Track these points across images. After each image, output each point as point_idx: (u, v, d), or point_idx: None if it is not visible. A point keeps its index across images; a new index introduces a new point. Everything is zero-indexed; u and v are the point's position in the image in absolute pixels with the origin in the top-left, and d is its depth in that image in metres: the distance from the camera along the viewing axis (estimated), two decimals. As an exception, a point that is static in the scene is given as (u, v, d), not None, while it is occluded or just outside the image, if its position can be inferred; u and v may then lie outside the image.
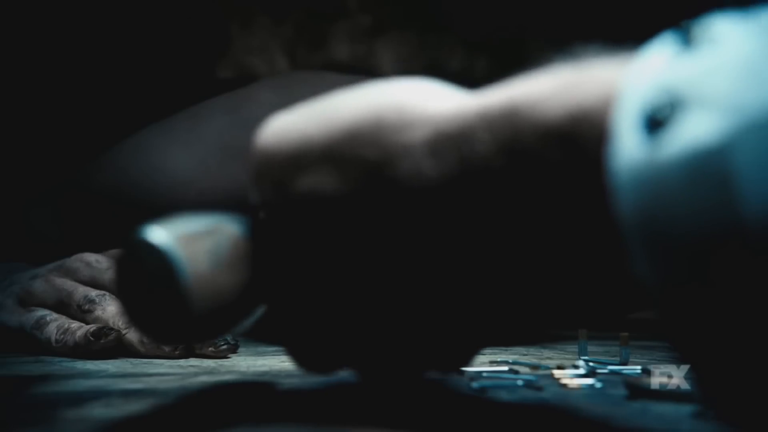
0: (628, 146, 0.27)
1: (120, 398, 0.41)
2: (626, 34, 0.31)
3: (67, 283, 0.62)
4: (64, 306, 0.61)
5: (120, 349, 0.58)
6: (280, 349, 0.63)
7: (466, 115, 0.32)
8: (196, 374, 0.50)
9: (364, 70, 1.11)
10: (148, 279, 0.35)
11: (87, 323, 0.60)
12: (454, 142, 0.32)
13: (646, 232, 0.27)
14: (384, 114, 0.34)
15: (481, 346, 0.39)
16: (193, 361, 0.56)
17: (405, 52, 1.14)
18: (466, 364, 0.40)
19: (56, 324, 0.60)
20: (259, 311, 0.38)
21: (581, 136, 0.29)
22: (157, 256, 0.35)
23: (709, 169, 0.25)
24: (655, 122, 0.27)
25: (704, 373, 0.28)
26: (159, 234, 0.35)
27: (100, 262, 0.64)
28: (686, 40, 0.27)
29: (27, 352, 0.60)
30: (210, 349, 0.59)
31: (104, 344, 0.57)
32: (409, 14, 1.17)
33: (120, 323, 0.59)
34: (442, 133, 0.33)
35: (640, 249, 0.27)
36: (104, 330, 0.58)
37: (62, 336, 0.59)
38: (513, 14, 1.11)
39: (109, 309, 0.60)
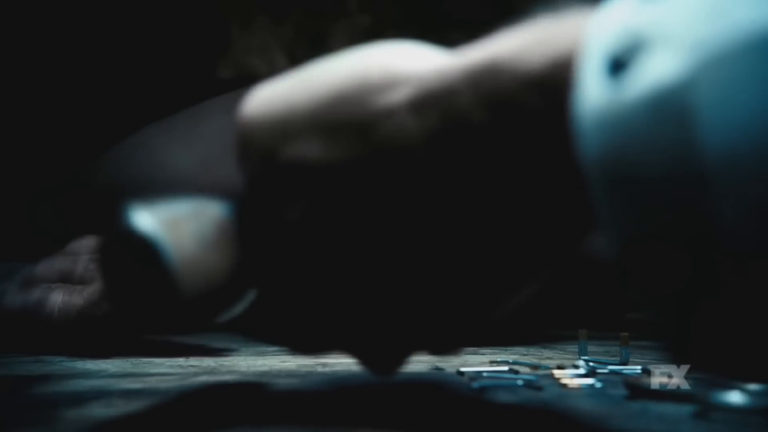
0: (592, 89, 0.27)
1: (120, 398, 0.41)
2: None
3: (68, 263, 0.62)
4: (66, 280, 0.61)
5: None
6: (281, 349, 0.63)
7: (449, 72, 0.32)
8: (196, 374, 0.50)
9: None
10: (134, 265, 0.35)
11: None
12: (436, 99, 0.32)
13: (609, 176, 0.27)
14: (368, 75, 0.34)
15: (472, 323, 0.38)
16: (193, 361, 0.56)
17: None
18: (458, 347, 0.39)
19: (60, 292, 0.59)
20: (250, 296, 0.38)
21: (559, 83, 0.29)
22: (142, 241, 0.34)
23: (669, 106, 0.25)
24: (618, 64, 0.27)
25: (668, 323, 0.28)
26: (143, 219, 0.34)
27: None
28: None
29: (27, 345, 0.60)
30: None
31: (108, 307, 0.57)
32: (409, 14, 1.17)
33: None
34: (425, 90, 0.33)
35: (603, 196, 0.27)
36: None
37: (68, 297, 0.58)
38: (511, 13, 1.11)
39: None
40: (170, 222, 0.34)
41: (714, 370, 0.29)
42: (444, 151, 0.32)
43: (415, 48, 0.36)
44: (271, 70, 1.13)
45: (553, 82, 0.29)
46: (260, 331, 0.69)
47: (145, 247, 0.34)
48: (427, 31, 1.18)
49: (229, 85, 0.90)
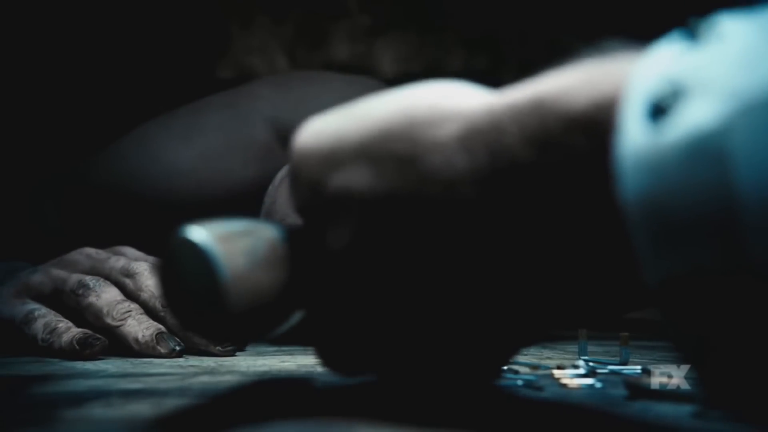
0: (634, 133, 0.28)
1: (120, 398, 0.41)
2: (641, 32, 0.32)
3: (63, 273, 0.62)
4: (58, 293, 0.61)
5: (115, 346, 0.58)
6: (280, 349, 0.63)
7: (495, 110, 0.33)
8: (196, 374, 0.50)
9: (364, 70, 1.11)
10: (187, 276, 0.36)
11: (79, 308, 0.59)
12: (484, 136, 0.33)
13: (648, 215, 0.28)
14: (416, 111, 0.35)
15: (504, 354, 0.39)
16: (193, 361, 0.56)
17: (405, 52, 1.14)
18: (497, 373, 0.40)
19: (44, 321, 0.59)
20: (297, 316, 0.39)
21: (602, 125, 0.30)
22: (196, 253, 0.36)
23: (707, 150, 0.27)
24: (659, 110, 0.28)
25: (704, 363, 0.28)
26: (199, 233, 0.36)
27: (99, 254, 0.63)
28: (693, 36, 0.29)
29: (17, 346, 0.59)
30: (217, 348, 0.59)
31: (89, 354, 0.56)
32: (409, 14, 1.17)
33: (114, 313, 0.59)
34: (472, 127, 0.33)
35: (642, 235, 0.28)
36: (90, 339, 0.57)
37: (48, 336, 0.58)
38: (512, 14, 1.11)
39: (105, 296, 0.59)
40: (224, 237, 0.36)
41: (745, 412, 0.29)
42: (490, 188, 0.33)
43: (463, 87, 0.36)
44: (271, 70, 1.13)
45: (597, 123, 0.30)
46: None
47: (199, 260, 0.36)
48: (427, 32, 1.18)
49: (229, 85, 0.90)
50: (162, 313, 0.60)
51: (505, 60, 1.12)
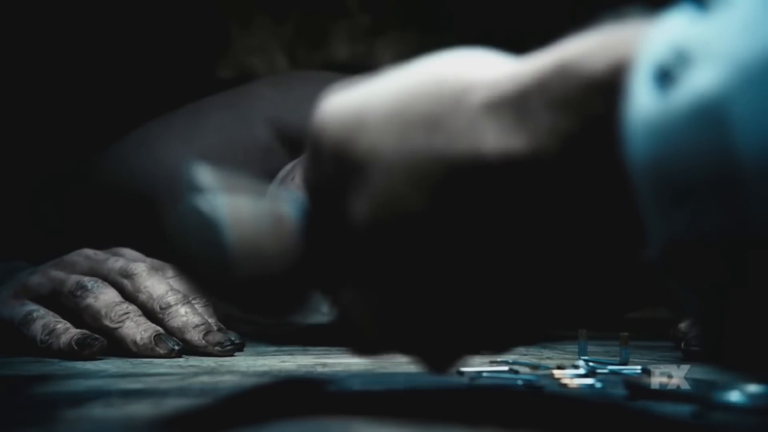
0: (640, 98, 0.29)
1: (120, 398, 0.41)
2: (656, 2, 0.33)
3: (61, 274, 0.62)
4: (56, 294, 0.61)
5: (113, 347, 0.58)
6: (282, 349, 0.64)
7: (520, 75, 0.34)
8: (196, 374, 0.50)
9: (364, 70, 1.11)
10: (196, 240, 0.37)
11: (78, 310, 0.59)
12: (509, 101, 0.33)
13: (654, 180, 0.29)
14: (443, 77, 0.36)
15: (530, 325, 0.39)
16: (192, 361, 0.56)
17: (405, 52, 1.14)
18: (513, 346, 0.41)
19: (42, 322, 0.59)
20: (321, 313, 0.40)
21: (619, 88, 0.31)
22: (205, 218, 0.37)
23: (710, 116, 0.28)
24: (666, 76, 0.29)
25: (709, 326, 0.30)
26: (208, 197, 0.37)
27: (98, 255, 0.63)
28: (703, 4, 0.30)
29: (16, 347, 0.59)
30: (216, 348, 0.59)
31: (88, 354, 0.57)
32: (409, 14, 1.17)
33: (112, 315, 0.59)
34: (498, 93, 0.34)
35: (649, 199, 0.29)
36: (88, 339, 0.57)
37: (47, 337, 0.58)
38: (511, 14, 1.11)
39: (102, 297, 0.59)
40: (233, 204, 0.37)
41: (749, 370, 0.31)
42: (513, 152, 0.33)
43: (488, 54, 0.37)
44: (271, 70, 1.13)
45: (613, 86, 0.31)
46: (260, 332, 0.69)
47: (207, 224, 0.37)
48: (427, 32, 1.18)
49: (229, 85, 0.90)
50: (160, 315, 0.60)
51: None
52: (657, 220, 0.29)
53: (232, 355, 0.58)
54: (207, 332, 0.60)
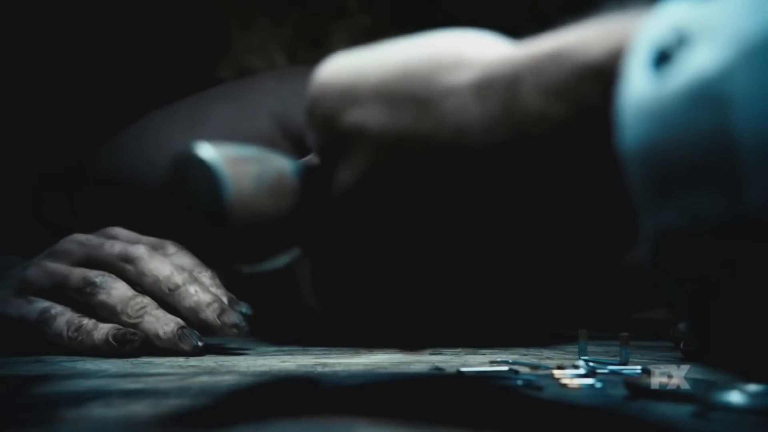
0: (636, 82, 0.28)
1: (120, 398, 0.41)
2: None
3: (61, 267, 0.61)
4: (60, 290, 0.60)
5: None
6: (282, 349, 0.64)
7: (514, 59, 0.34)
8: (196, 374, 0.50)
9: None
10: (194, 191, 0.38)
11: (91, 307, 0.59)
12: (499, 85, 0.33)
13: (647, 166, 0.28)
14: (437, 55, 0.36)
15: (508, 307, 0.39)
16: (193, 361, 0.56)
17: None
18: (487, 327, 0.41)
19: (65, 319, 0.59)
20: (294, 252, 0.40)
21: (614, 74, 0.30)
22: (204, 170, 0.37)
23: (707, 95, 0.27)
24: (664, 58, 0.28)
25: (698, 319, 0.29)
26: (209, 151, 0.38)
27: (90, 240, 0.63)
28: None
29: (29, 345, 0.59)
30: (233, 330, 0.58)
31: (129, 351, 0.57)
32: (409, 14, 1.17)
33: (129, 310, 0.58)
34: (490, 75, 0.34)
35: (641, 185, 0.28)
36: (128, 335, 0.57)
37: (75, 334, 0.58)
38: (510, 15, 1.11)
39: (115, 293, 0.59)
40: (234, 159, 0.38)
41: (735, 368, 0.30)
42: (498, 136, 0.33)
43: (484, 36, 0.37)
44: (271, 70, 1.13)
45: (609, 72, 0.30)
46: (260, 332, 0.69)
47: (206, 176, 0.37)
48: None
49: (229, 85, 0.90)
50: (170, 297, 0.59)
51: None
52: (649, 208, 0.28)
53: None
54: (222, 311, 0.59)
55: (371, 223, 0.36)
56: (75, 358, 0.57)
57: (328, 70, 0.38)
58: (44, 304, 0.60)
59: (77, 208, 0.81)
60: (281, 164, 0.39)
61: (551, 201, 0.33)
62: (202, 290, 0.60)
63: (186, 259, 0.62)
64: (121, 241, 0.63)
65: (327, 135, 0.38)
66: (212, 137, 0.81)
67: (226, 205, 0.37)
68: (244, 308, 0.60)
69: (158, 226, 0.63)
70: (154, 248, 0.62)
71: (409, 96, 0.35)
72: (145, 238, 0.64)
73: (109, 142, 0.84)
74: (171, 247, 0.63)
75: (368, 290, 0.38)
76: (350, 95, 0.37)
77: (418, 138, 0.35)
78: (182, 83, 0.93)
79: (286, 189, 0.38)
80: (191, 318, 0.59)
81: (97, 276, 0.60)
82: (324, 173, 0.38)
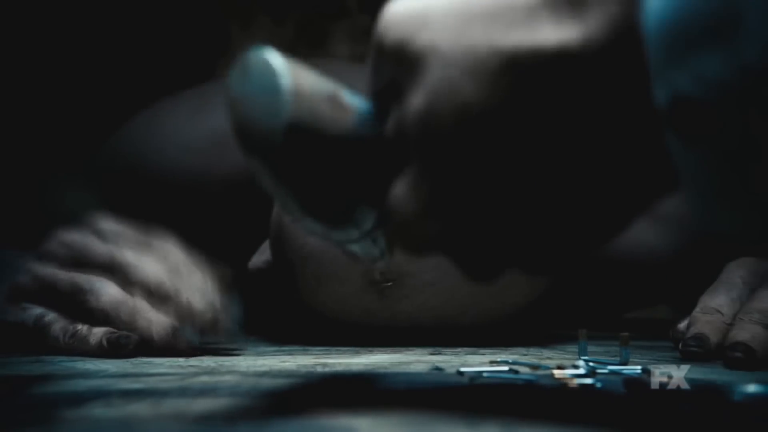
0: None
1: (120, 398, 0.41)
2: None
3: (48, 272, 0.61)
4: (50, 292, 0.60)
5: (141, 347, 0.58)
6: (280, 348, 0.64)
7: None
8: (196, 374, 0.50)
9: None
10: (254, 85, 0.38)
11: (83, 311, 0.59)
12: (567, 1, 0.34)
13: (662, 32, 0.30)
14: None
15: (571, 248, 0.39)
16: (193, 361, 0.56)
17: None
18: (553, 271, 0.41)
19: (59, 326, 0.59)
20: (369, 217, 0.40)
21: None
22: (265, 62, 0.38)
23: None
24: None
25: (706, 184, 0.31)
26: (274, 54, 0.38)
27: (75, 241, 0.62)
28: None
29: (28, 347, 0.59)
30: (183, 346, 0.58)
31: (124, 354, 0.56)
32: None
33: (121, 314, 0.58)
34: None
35: (657, 53, 0.31)
36: (121, 339, 0.57)
37: (71, 340, 0.58)
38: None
39: (104, 298, 0.59)
40: (297, 67, 0.38)
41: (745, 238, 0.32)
42: (569, 43, 0.34)
43: None
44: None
45: None
46: (260, 332, 0.69)
47: (268, 71, 0.38)
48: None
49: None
50: (162, 308, 0.59)
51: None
52: (662, 72, 0.30)
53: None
54: (215, 322, 0.59)
55: (448, 142, 0.36)
56: (75, 358, 0.57)
57: (395, 5, 0.39)
58: (38, 310, 0.60)
59: (107, 199, 0.81)
60: (338, 87, 0.39)
61: (614, 110, 0.34)
62: (193, 299, 0.59)
63: (173, 255, 0.62)
64: (106, 244, 0.62)
65: (398, 62, 0.38)
66: (217, 125, 0.81)
67: (283, 94, 0.37)
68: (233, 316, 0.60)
69: (160, 214, 0.63)
70: (140, 246, 0.62)
71: (478, 11, 0.36)
72: (131, 231, 0.63)
73: (117, 132, 0.84)
74: (158, 241, 0.62)
75: (454, 215, 0.38)
76: (421, 18, 0.38)
77: (490, 50, 0.35)
78: (183, 83, 0.93)
79: (344, 105, 0.38)
80: (186, 318, 0.59)
81: (85, 281, 0.59)
82: (383, 115, 0.39)
